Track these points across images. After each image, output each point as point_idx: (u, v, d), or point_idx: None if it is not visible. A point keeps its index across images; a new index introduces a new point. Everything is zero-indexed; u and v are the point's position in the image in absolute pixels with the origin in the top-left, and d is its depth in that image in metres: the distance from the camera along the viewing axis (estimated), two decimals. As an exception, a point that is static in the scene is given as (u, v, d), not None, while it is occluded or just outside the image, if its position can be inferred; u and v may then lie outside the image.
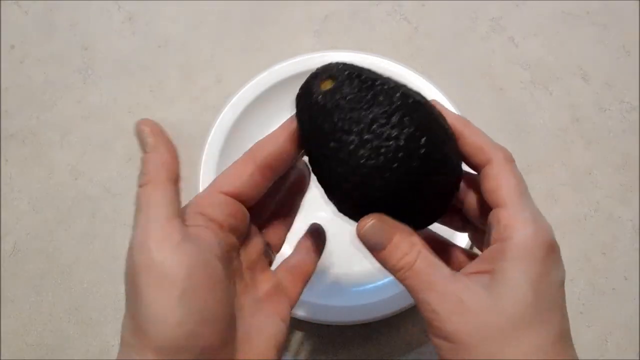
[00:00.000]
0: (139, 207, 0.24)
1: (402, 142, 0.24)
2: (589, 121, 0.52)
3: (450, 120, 0.28)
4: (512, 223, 0.25)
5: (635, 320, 0.45)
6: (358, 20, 0.57)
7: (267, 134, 0.29)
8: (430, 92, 0.49)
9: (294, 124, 0.28)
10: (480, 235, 0.30)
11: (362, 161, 0.24)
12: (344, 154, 0.25)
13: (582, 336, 0.44)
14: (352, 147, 0.24)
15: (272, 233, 0.32)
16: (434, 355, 0.44)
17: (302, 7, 0.57)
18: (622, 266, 0.47)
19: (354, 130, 0.25)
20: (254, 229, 0.30)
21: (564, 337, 0.24)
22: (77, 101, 0.53)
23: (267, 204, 0.31)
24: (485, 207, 0.28)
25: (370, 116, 0.25)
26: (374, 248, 0.26)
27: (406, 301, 0.43)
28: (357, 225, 0.26)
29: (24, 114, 0.52)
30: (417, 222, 0.27)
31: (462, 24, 0.56)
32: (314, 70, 0.28)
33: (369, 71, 0.27)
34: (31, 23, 0.56)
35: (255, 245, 0.30)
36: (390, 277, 0.44)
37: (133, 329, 0.23)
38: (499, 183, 0.26)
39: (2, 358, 0.44)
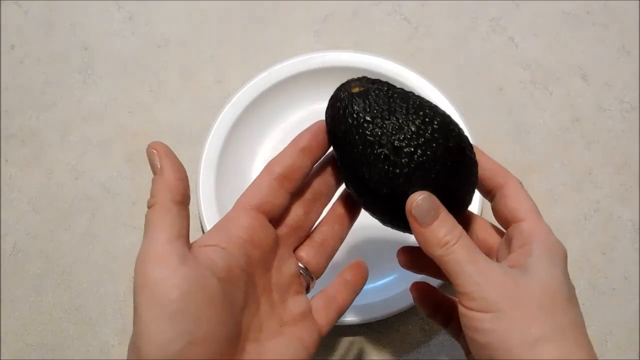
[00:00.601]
0: (145, 228, 0.25)
1: (436, 125, 0.28)
2: (589, 121, 0.52)
3: None
4: (535, 232, 0.28)
5: (635, 320, 0.45)
6: (358, 20, 0.57)
7: (280, 151, 0.30)
8: (430, 92, 0.49)
9: (304, 140, 0.30)
10: None
11: (404, 142, 0.27)
12: (385, 140, 0.28)
13: (582, 336, 0.44)
14: (392, 131, 0.27)
15: (312, 258, 0.32)
16: (434, 355, 0.45)
17: (302, 7, 0.57)
18: (622, 266, 0.47)
19: (393, 118, 0.28)
20: (286, 251, 0.30)
21: (585, 327, 0.26)
22: (77, 101, 0.53)
23: (304, 224, 0.31)
24: (486, 238, 0.31)
25: (405, 106, 0.28)
26: (423, 222, 0.27)
27: (406, 301, 0.43)
28: (408, 201, 0.27)
29: (24, 114, 0.52)
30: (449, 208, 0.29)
31: (462, 24, 0.56)
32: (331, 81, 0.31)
33: (386, 82, 0.30)
34: (31, 23, 0.56)
35: (288, 267, 0.30)
36: (390, 277, 0.45)
37: (133, 344, 0.24)
38: (518, 201, 0.29)
39: (2, 358, 0.44)
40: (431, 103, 0.29)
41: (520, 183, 0.30)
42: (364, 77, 0.30)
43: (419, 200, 0.27)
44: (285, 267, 0.30)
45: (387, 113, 0.28)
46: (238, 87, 0.50)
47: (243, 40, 0.56)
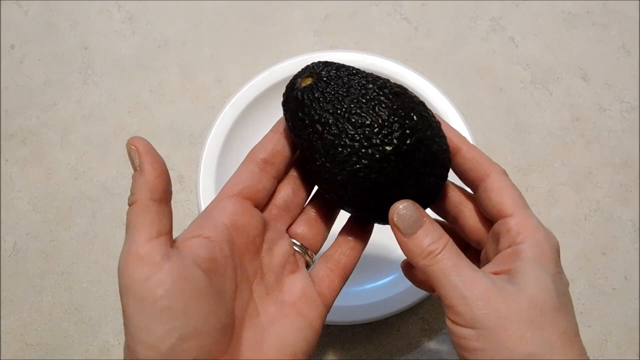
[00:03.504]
0: (126, 227, 0.25)
1: (376, 129, 0.26)
2: (589, 121, 0.52)
3: (448, 135, 0.29)
4: (523, 229, 0.27)
5: (635, 320, 0.45)
6: (358, 20, 0.57)
7: (261, 138, 0.30)
8: (430, 92, 0.49)
9: (282, 125, 0.30)
10: (472, 254, 0.30)
11: (339, 149, 0.26)
12: (321, 144, 0.27)
13: (582, 336, 0.44)
14: (328, 136, 0.26)
15: (308, 233, 0.31)
16: (434, 355, 0.45)
17: (302, 7, 0.57)
18: (622, 266, 0.47)
19: (330, 120, 0.27)
20: (276, 232, 0.30)
21: (578, 333, 0.25)
22: (77, 101, 0.53)
23: (294, 203, 0.31)
24: (477, 225, 0.30)
25: (345, 106, 0.27)
26: (406, 232, 0.26)
27: (406, 301, 0.43)
28: (390, 210, 0.27)
29: (24, 114, 0.52)
30: None
31: (462, 24, 0.57)
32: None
33: (349, 68, 0.29)
34: (31, 23, 0.56)
35: (280, 247, 0.30)
36: (390, 277, 0.45)
37: (126, 346, 0.24)
38: (503, 195, 0.28)
39: (2, 358, 0.44)
40: (382, 94, 0.27)
41: (505, 173, 0.29)
42: (320, 64, 0.29)
43: (401, 210, 0.26)
44: (277, 248, 0.29)
45: (325, 115, 0.27)
46: (238, 87, 0.50)
47: (243, 40, 0.56)
